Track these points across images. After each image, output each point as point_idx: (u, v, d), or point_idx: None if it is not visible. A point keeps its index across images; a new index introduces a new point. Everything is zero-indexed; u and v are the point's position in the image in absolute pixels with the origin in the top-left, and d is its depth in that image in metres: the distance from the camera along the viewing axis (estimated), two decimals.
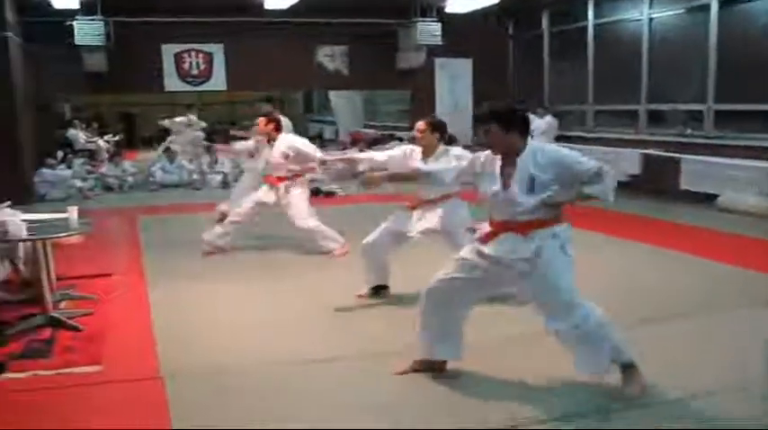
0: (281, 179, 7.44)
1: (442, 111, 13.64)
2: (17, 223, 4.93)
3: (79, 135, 16.33)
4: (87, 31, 11.94)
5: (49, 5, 11.48)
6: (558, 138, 12.85)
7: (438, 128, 5.37)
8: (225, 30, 13.47)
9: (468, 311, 3.99)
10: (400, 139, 14.74)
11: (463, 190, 5.05)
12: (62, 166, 13.17)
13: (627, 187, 10.83)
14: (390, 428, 3.45)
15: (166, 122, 15.67)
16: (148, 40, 13.15)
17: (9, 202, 5.75)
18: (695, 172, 10.19)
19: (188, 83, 13.96)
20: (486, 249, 3.77)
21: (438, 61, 14.93)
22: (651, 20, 11.54)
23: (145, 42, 13.10)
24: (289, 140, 7.52)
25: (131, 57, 12.83)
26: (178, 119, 15.51)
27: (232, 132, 12.07)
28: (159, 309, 5.50)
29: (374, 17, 13.81)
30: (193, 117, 15.58)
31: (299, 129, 21.58)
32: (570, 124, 13.46)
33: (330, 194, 11.91)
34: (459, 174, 4.08)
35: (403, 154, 5.50)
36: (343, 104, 21.14)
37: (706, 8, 10.39)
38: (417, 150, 5.41)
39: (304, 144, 7.55)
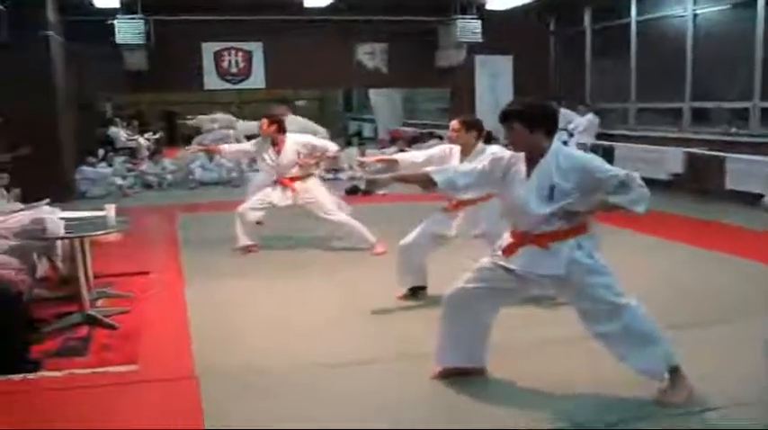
0: (293, 179, 7.42)
1: (481, 109, 13.53)
2: (55, 221, 4.95)
3: (120, 133, 16.51)
4: (128, 30, 12.02)
5: (91, 4, 11.62)
6: (600, 136, 12.70)
7: (473, 126, 5.25)
8: (264, 28, 13.49)
9: (492, 320, 3.82)
10: (440, 138, 14.63)
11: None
12: (103, 164, 13.36)
13: (670, 186, 10.66)
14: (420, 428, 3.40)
15: (194, 121, 15.75)
16: (188, 39, 13.23)
17: (48, 200, 5.82)
18: (740, 171, 9.90)
19: (227, 81, 13.99)
20: (509, 264, 3.59)
21: (478, 58, 14.71)
22: (695, 16, 11.26)
23: (184, 41, 13.18)
24: (298, 138, 7.53)
25: (171, 55, 12.92)
26: (204, 116, 15.56)
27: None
28: (196, 307, 5.49)
29: (414, 15, 13.73)
30: (221, 115, 15.59)
31: (338, 128, 21.91)
32: (612, 122, 13.21)
33: (368, 193, 11.84)
34: (478, 177, 3.73)
35: (442, 153, 5.41)
36: (383, 102, 21.07)
37: (752, 4, 10.09)
38: (456, 149, 5.31)
39: (314, 139, 7.74)
